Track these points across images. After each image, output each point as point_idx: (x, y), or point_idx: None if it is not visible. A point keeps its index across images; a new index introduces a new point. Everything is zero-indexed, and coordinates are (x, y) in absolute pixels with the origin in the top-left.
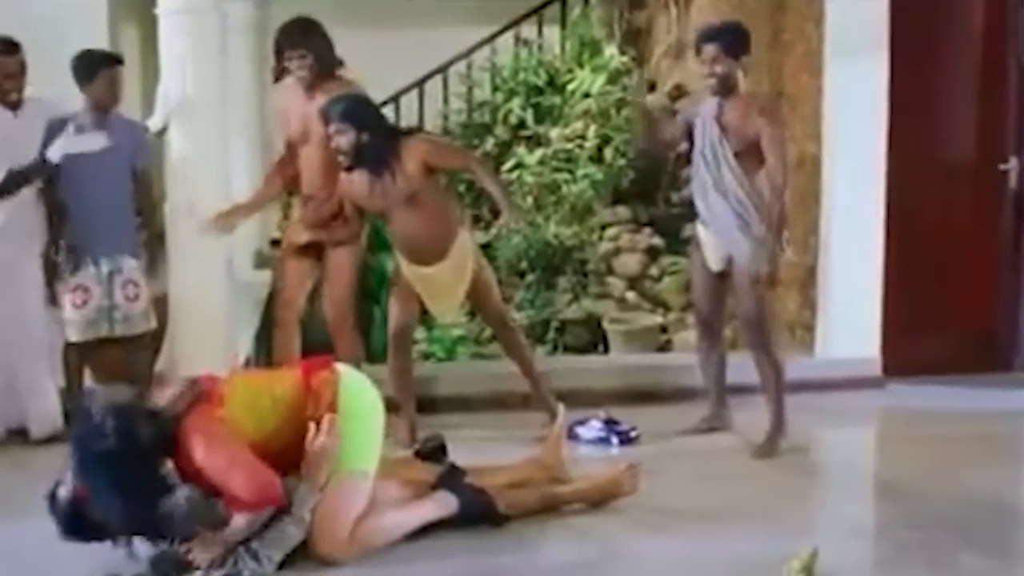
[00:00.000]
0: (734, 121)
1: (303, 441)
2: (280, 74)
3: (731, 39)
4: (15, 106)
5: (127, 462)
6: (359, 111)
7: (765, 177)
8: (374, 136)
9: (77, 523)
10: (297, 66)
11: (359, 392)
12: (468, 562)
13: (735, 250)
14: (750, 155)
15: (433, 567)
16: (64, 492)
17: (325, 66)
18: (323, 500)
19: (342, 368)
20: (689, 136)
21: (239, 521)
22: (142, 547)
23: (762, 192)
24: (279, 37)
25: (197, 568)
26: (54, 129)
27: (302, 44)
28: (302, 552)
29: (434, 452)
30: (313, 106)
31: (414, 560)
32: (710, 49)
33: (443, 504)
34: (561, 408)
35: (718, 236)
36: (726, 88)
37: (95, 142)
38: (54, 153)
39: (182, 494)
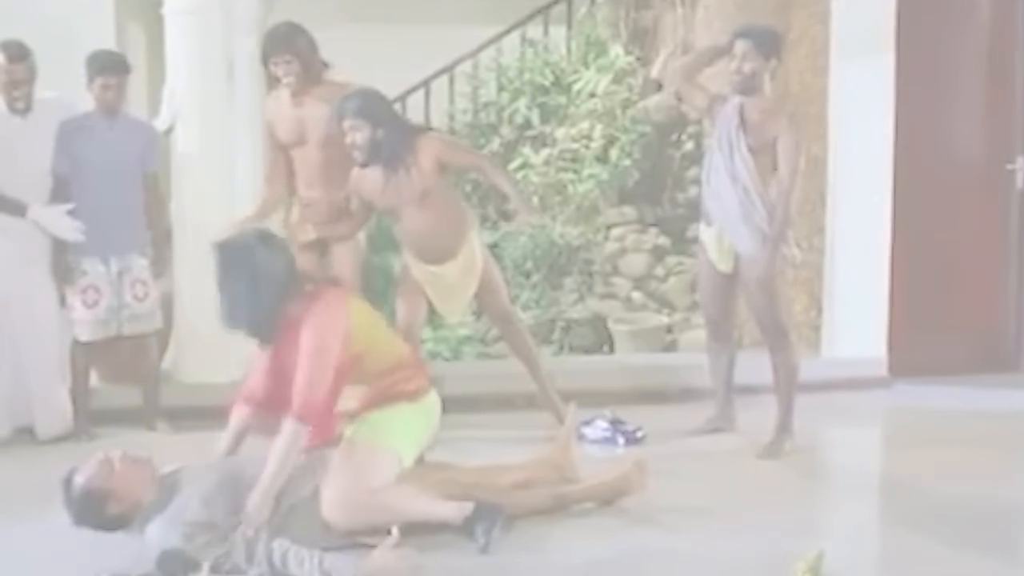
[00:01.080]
0: (754, 119)
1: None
2: (272, 83)
3: (764, 38)
4: (24, 111)
5: (261, 268)
6: (374, 106)
7: (775, 183)
8: (390, 131)
9: (90, 511)
10: (284, 71)
11: (435, 405)
12: (477, 560)
13: (738, 242)
14: (764, 156)
15: (442, 565)
16: (80, 479)
17: (311, 70)
18: (349, 458)
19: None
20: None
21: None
22: (149, 546)
23: (771, 193)
24: (264, 43)
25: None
26: (67, 130)
27: (287, 49)
28: None
29: None
30: (304, 110)
31: (424, 557)
32: (742, 44)
33: (457, 507)
34: (572, 408)
35: (722, 228)
36: (750, 86)
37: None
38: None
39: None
